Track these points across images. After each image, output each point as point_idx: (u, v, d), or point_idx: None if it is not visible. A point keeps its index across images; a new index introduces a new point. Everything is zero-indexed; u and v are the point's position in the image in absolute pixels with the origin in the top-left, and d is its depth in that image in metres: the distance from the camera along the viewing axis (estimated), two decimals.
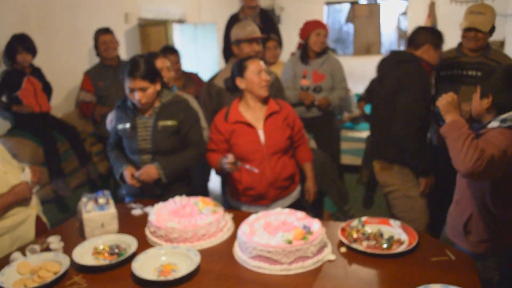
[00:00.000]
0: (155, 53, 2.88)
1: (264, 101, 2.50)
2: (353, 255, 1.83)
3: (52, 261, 1.82)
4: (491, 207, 1.91)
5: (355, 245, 1.86)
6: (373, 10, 8.24)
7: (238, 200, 2.57)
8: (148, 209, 2.33)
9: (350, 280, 1.67)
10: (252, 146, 2.43)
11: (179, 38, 5.41)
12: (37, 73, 3.68)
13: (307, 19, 3.90)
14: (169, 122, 2.47)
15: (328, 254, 1.83)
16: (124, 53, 4.99)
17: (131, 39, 5.14)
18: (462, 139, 1.74)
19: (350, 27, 8.48)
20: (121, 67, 3.82)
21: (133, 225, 2.18)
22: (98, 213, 2.06)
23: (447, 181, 3.14)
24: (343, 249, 1.87)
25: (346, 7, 8.44)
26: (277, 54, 4.23)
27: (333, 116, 3.88)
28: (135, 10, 5.17)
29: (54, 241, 1.99)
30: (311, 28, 3.72)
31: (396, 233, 1.96)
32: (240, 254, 1.84)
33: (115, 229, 2.09)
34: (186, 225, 1.97)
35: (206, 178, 4.15)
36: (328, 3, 8.11)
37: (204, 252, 1.88)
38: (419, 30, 2.69)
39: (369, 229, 2.00)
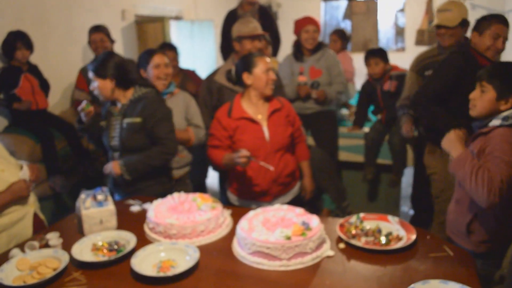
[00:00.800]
0: (153, 50, 2.88)
1: (267, 98, 2.50)
2: (352, 251, 1.84)
3: (51, 257, 1.82)
4: (496, 208, 1.89)
5: (353, 241, 1.87)
6: (371, 6, 8.24)
7: (240, 197, 2.57)
8: (147, 205, 2.34)
9: (348, 276, 1.67)
10: (257, 143, 2.43)
11: (176, 35, 5.40)
12: (34, 70, 3.67)
13: (304, 15, 3.89)
14: (135, 119, 2.45)
15: (327, 250, 1.83)
16: (121, 50, 4.98)
17: (128, 36, 5.13)
18: (468, 178, 1.79)
19: (347, 24, 8.48)
20: None
21: (131, 222, 2.18)
22: (96, 209, 2.06)
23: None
24: (341, 245, 1.88)
25: (343, 3, 8.44)
26: (268, 53, 4.19)
27: (331, 112, 3.89)
28: (131, 7, 5.16)
29: (53, 237, 1.98)
30: (300, 25, 3.72)
31: (394, 229, 1.97)
32: (239, 250, 1.85)
33: (113, 226, 2.09)
34: (184, 221, 1.97)
35: (204, 175, 4.15)
36: (325, 0, 8.11)
37: (203, 248, 1.88)
38: None
39: (367, 225, 2.01)
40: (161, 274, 1.68)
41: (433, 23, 2.98)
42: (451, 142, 1.95)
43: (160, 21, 5.20)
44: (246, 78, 2.45)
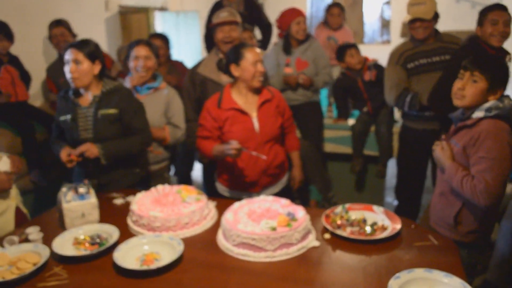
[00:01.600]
0: (136, 41, 2.82)
1: (257, 89, 2.47)
2: (337, 241, 1.83)
3: (31, 252, 1.78)
4: None
5: (339, 231, 1.86)
6: None
7: (229, 187, 2.55)
8: (130, 198, 2.30)
9: (334, 266, 1.67)
10: (246, 134, 2.41)
11: (161, 26, 5.34)
12: (14, 61, 3.58)
13: (289, 6, 3.86)
14: (110, 111, 2.43)
15: (312, 240, 1.82)
16: (104, 41, 4.90)
17: (111, 27, 5.05)
18: (460, 189, 1.86)
19: None
20: None
21: (114, 215, 2.15)
22: (78, 202, 2.02)
23: (419, 168, 3.21)
24: (327, 236, 1.87)
25: None
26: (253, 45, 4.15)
27: (316, 104, 3.88)
28: None
29: (33, 231, 1.94)
30: (291, 17, 3.68)
31: (379, 219, 1.97)
32: (224, 242, 1.83)
33: (96, 219, 2.06)
34: (169, 213, 1.94)
35: (190, 167, 4.12)
36: None
37: (187, 241, 1.86)
38: None
39: (352, 215, 2.01)
40: (145, 267, 1.65)
41: (406, 18, 3.02)
42: (440, 155, 2.00)
43: (145, 12, 5.13)
44: (234, 69, 2.41)
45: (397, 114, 3.82)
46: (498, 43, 2.67)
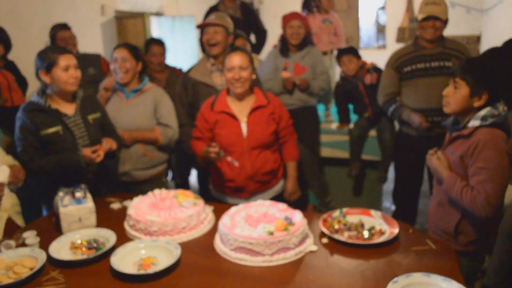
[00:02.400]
0: (119, 44, 2.80)
1: (251, 94, 2.47)
2: (335, 246, 1.83)
3: (28, 256, 1.77)
4: None
5: (336, 236, 1.86)
6: (352, 4, 8.27)
7: (220, 191, 2.55)
8: (127, 202, 2.30)
9: (331, 271, 1.66)
10: (233, 138, 2.40)
11: (157, 31, 5.35)
12: (10, 66, 3.57)
13: (285, 12, 3.88)
14: (96, 114, 2.49)
15: (310, 245, 1.82)
16: (100, 46, 4.90)
17: (107, 32, 5.05)
18: (460, 200, 1.82)
19: None
20: (79, 62, 3.72)
21: (111, 219, 2.14)
22: (75, 207, 2.01)
23: (415, 173, 3.22)
24: (324, 240, 1.87)
25: None
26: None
27: (312, 109, 3.88)
28: (111, 2, 5.08)
29: (30, 236, 1.93)
30: (285, 21, 3.70)
31: (377, 223, 1.97)
32: (221, 246, 1.82)
33: (93, 223, 2.05)
34: (166, 218, 1.94)
35: (187, 173, 4.12)
36: None
37: (184, 245, 1.85)
38: None
39: (350, 219, 2.01)
40: (142, 272, 1.65)
41: (420, 16, 2.96)
42: (435, 165, 1.96)
43: (141, 17, 5.13)
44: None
45: None
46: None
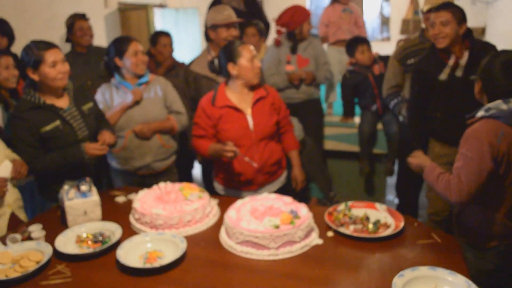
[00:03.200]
0: (129, 37, 2.73)
1: (252, 86, 2.46)
2: (340, 239, 1.83)
3: (34, 250, 1.78)
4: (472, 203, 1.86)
5: (342, 229, 1.86)
6: None
7: (225, 186, 2.54)
8: (132, 196, 2.30)
9: (337, 264, 1.66)
10: (240, 132, 2.39)
11: (161, 23, 5.32)
12: (13, 59, 3.56)
13: (289, 3, 3.85)
14: (89, 104, 2.49)
15: (315, 238, 1.82)
16: (104, 38, 4.88)
17: (111, 24, 5.03)
18: (435, 186, 1.87)
19: None
20: (92, 54, 3.71)
21: (117, 213, 2.14)
22: (80, 200, 2.01)
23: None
24: (330, 233, 1.87)
25: None
26: (255, 40, 4.14)
27: (317, 101, 3.87)
28: None
29: (36, 229, 1.93)
30: (304, 18, 3.66)
31: (382, 216, 1.97)
32: (226, 239, 1.82)
33: (98, 217, 2.05)
34: (171, 211, 1.94)
35: (190, 165, 4.12)
36: None
37: (190, 239, 1.86)
38: None
39: (355, 213, 2.00)
40: (148, 265, 1.65)
41: (425, 7, 2.94)
42: (418, 166, 2.03)
43: (144, 9, 5.10)
44: (231, 68, 2.39)
45: None
46: (439, 45, 2.52)
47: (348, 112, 3.93)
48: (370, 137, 3.74)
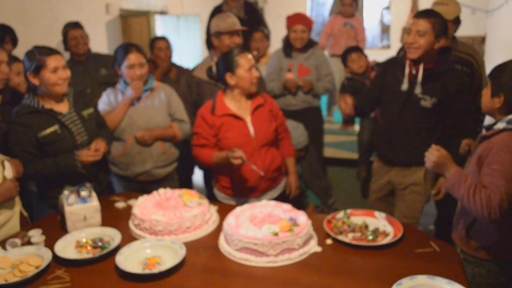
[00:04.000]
0: (128, 47, 2.69)
1: (250, 94, 2.47)
2: (339, 247, 1.84)
3: (33, 255, 1.78)
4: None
5: (340, 237, 1.87)
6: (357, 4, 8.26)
7: (228, 194, 2.53)
8: (132, 201, 2.30)
9: (336, 272, 1.67)
10: (242, 139, 2.40)
11: (162, 29, 5.34)
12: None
13: (290, 11, 3.87)
14: (90, 110, 2.50)
15: (314, 246, 1.83)
16: (105, 44, 4.91)
17: (112, 31, 5.05)
18: (466, 199, 1.72)
19: None
20: (91, 62, 3.72)
21: (116, 218, 2.15)
22: (80, 206, 2.02)
23: None
24: (329, 241, 1.88)
25: (329, 0, 8.44)
26: (263, 46, 4.17)
27: (316, 109, 3.88)
28: (116, 0, 5.08)
29: (36, 234, 1.94)
30: (289, 24, 3.69)
31: (381, 225, 1.97)
32: (225, 246, 1.83)
33: (98, 222, 2.06)
34: (171, 217, 1.95)
35: (190, 172, 4.12)
36: None
37: (189, 245, 1.86)
38: None
39: (354, 221, 2.01)
40: (147, 271, 1.65)
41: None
42: (440, 159, 1.84)
43: (145, 16, 5.14)
44: (229, 78, 2.40)
45: None
46: (411, 55, 2.40)
47: (347, 120, 3.95)
48: (368, 145, 3.76)
